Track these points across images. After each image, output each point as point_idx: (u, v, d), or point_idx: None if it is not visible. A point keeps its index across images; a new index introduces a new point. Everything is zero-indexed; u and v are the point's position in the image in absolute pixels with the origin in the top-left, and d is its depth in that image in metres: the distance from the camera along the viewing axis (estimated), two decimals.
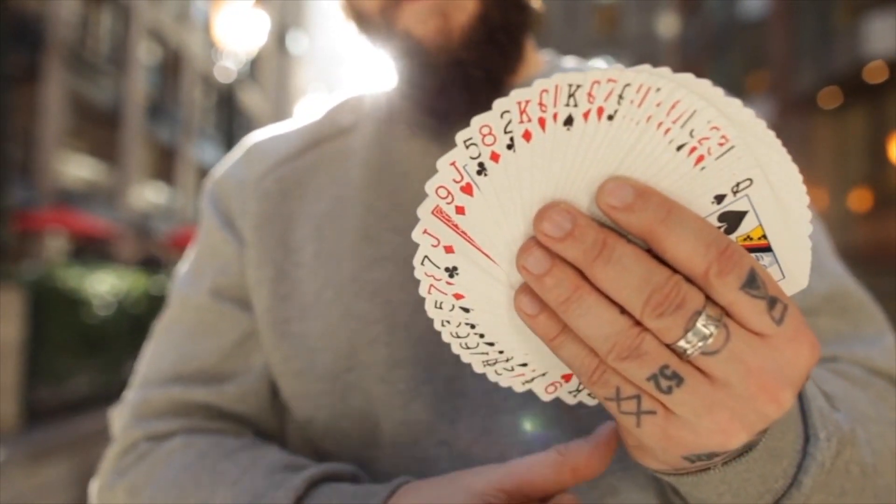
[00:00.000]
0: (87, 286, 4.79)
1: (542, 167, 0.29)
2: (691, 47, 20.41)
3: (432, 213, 0.30)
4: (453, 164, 0.28)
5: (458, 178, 0.29)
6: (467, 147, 0.28)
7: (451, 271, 0.31)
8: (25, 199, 13.49)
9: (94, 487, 0.57)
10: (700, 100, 0.27)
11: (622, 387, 0.29)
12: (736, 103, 0.28)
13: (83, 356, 4.80)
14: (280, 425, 0.60)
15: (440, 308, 0.32)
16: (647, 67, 0.27)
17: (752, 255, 0.29)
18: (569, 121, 0.27)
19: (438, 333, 0.52)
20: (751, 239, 0.29)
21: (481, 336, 0.33)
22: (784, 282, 0.30)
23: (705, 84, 0.27)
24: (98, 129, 16.73)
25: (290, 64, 32.86)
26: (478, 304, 0.32)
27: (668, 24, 24.62)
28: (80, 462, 4.06)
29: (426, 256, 0.31)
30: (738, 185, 0.28)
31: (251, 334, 0.58)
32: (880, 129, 11.35)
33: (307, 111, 0.67)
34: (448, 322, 0.33)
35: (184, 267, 0.64)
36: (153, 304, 5.40)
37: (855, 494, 0.39)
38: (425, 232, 0.30)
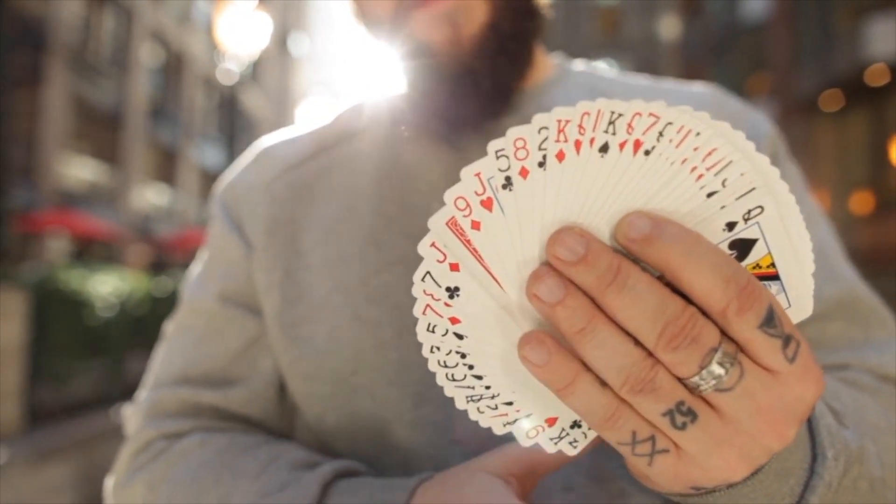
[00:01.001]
0: (89, 288, 4.80)
1: (569, 190, 0.28)
2: (693, 50, 20.41)
3: (447, 224, 0.28)
4: (478, 175, 0.28)
5: (481, 191, 0.28)
6: (497, 158, 0.27)
7: (453, 292, 0.30)
8: (27, 200, 13.51)
9: (109, 485, 0.57)
10: (736, 151, 0.27)
11: (638, 430, 0.29)
12: (765, 159, 0.28)
13: (85, 357, 4.81)
14: (288, 428, 0.61)
15: (432, 332, 0.31)
16: (688, 109, 0.27)
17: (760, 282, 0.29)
18: (604, 148, 0.27)
19: None
20: (760, 267, 0.29)
21: (470, 367, 0.32)
22: (790, 310, 0.30)
23: (740, 135, 0.27)
24: (100, 130, 16.75)
25: (292, 66, 32.89)
26: (474, 331, 0.31)
27: (669, 27, 24.62)
28: (82, 463, 4.07)
29: (429, 272, 0.29)
30: (749, 212, 0.28)
31: (258, 339, 0.59)
32: (882, 132, 11.34)
33: (316, 115, 0.68)
34: (438, 348, 0.31)
35: (195, 270, 0.65)
36: (155, 306, 5.41)
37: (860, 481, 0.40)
38: (433, 245, 0.29)
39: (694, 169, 0.28)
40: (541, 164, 0.27)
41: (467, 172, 0.27)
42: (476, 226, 0.28)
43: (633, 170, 0.28)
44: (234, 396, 0.57)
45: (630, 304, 0.27)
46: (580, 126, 0.27)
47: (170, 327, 0.64)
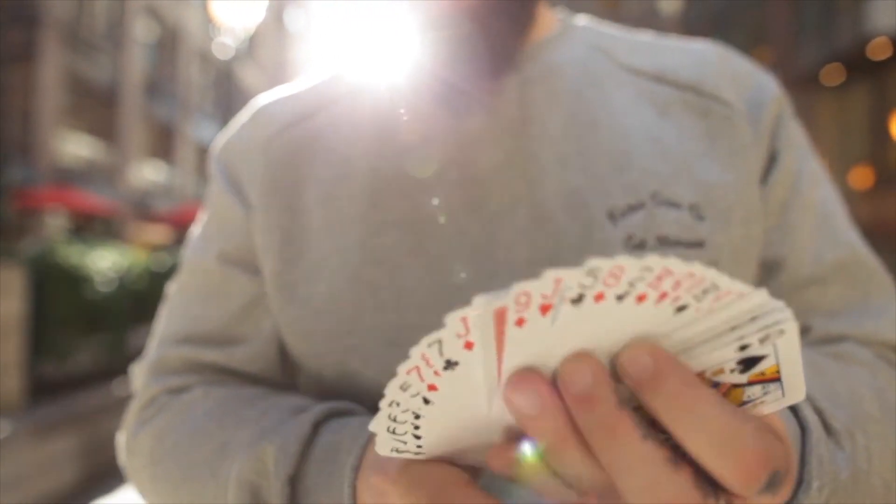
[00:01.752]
0: (88, 263, 4.80)
1: (626, 326, 0.26)
2: (694, 24, 20.18)
3: (495, 311, 0.26)
4: (558, 280, 0.25)
5: (549, 294, 0.25)
6: (587, 274, 0.25)
7: (451, 365, 0.27)
8: (24, 177, 13.47)
9: (120, 439, 0.59)
10: (783, 315, 0.26)
11: None
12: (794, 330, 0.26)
13: (86, 332, 4.83)
14: (290, 384, 0.61)
15: (403, 391, 0.29)
16: (727, 279, 0.25)
17: (760, 385, 0.28)
18: (641, 298, 0.26)
19: (448, 295, 0.53)
20: (763, 374, 0.28)
21: (416, 427, 0.30)
22: (783, 400, 0.29)
23: (781, 304, 0.26)
24: (96, 107, 16.64)
25: (289, 41, 32.54)
26: (444, 402, 0.29)
27: (670, 1, 24.32)
28: (84, 436, 4.11)
29: (440, 341, 0.26)
30: (767, 335, 0.26)
31: (259, 298, 0.59)
32: (882, 107, 11.29)
33: (314, 73, 0.67)
34: (398, 404, 0.29)
35: (196, 230, 0.65)
36: (154, 281, 5.42)
37: (845, 500, 0.40)
38: (463, 319, 0.26)
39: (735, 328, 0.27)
40: (619, 298, 0.25)
41: (550, 274, 0.24)
42: (520, 323, 0.26)
43: (671, 324, 0.26)
44: (236, 355, 0.58)
45: (620, 469, 0.25)
46: (658, 283, 0.25)
47: (172, 287, 0.64)
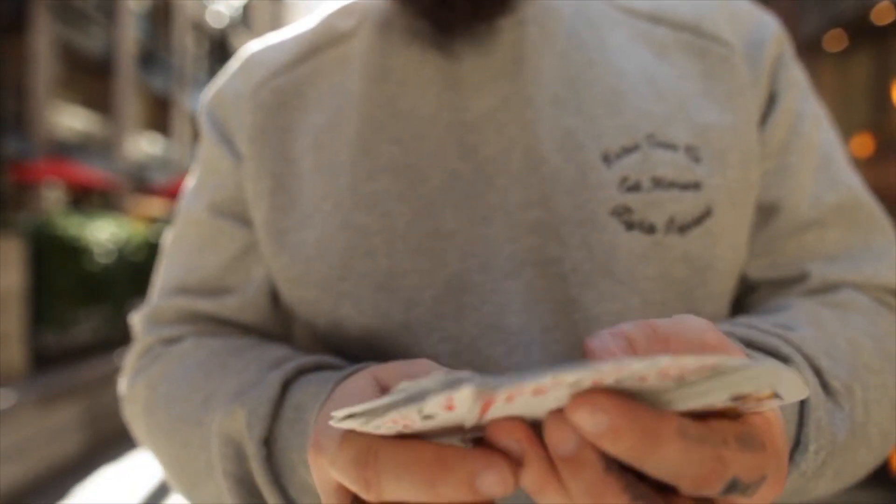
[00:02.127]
0: (87, 235, 4.80)
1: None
2: None
3: (485, 401, 0.25)
4: (558, 380, 0.23)
5: (546, 384, 0.24)
6: (597, 371, 0.23)
7: (430, 418, 0.26)
8: (20, 150, 13.39)
9: (121, 385, 0.60)
10: (786, 372, 0.25)
11: None
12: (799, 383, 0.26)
13: (86, 303, 4.85)
14: (284, 332, 0.62)
15: (377, 428, 0.28)
16: (744, 363, 0.25)
17: (754, 402, 0.27)
18: (643, 379, 0.25)
19: (441, 240, 0.53)
20: (759, 399, 0.26)
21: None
22: (783, 403, 0.28)
23: (789, 369, 0.25)
24: (90, 78, 16.48)
25: (284, 9, 32.10)
26: (417, 432, 0.28)
27: None
28: (87, 405, 4.15)
29: (421, 409, 0.25)
30: (766, 381, 0.25)
31: (250, 248, 0.59)
32: (886, 73, 11.18)
33: (304, 21, 0.66)
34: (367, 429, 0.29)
35: (190, 182, 0.65)
36: (153, 252, 5.43)
37: (840, 456, 0.40)
38: (448, 398, 0.25)
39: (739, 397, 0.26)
40: (618, 381, 0.24)
41: (557, 375, 0.23)
42: (510, 399, 0.25)
43: (670, 392, 0.26)
44: (228, 304, 0.58)
45: None
46: (700, 363, 0.24)
47: (168, 238, 0.64)
